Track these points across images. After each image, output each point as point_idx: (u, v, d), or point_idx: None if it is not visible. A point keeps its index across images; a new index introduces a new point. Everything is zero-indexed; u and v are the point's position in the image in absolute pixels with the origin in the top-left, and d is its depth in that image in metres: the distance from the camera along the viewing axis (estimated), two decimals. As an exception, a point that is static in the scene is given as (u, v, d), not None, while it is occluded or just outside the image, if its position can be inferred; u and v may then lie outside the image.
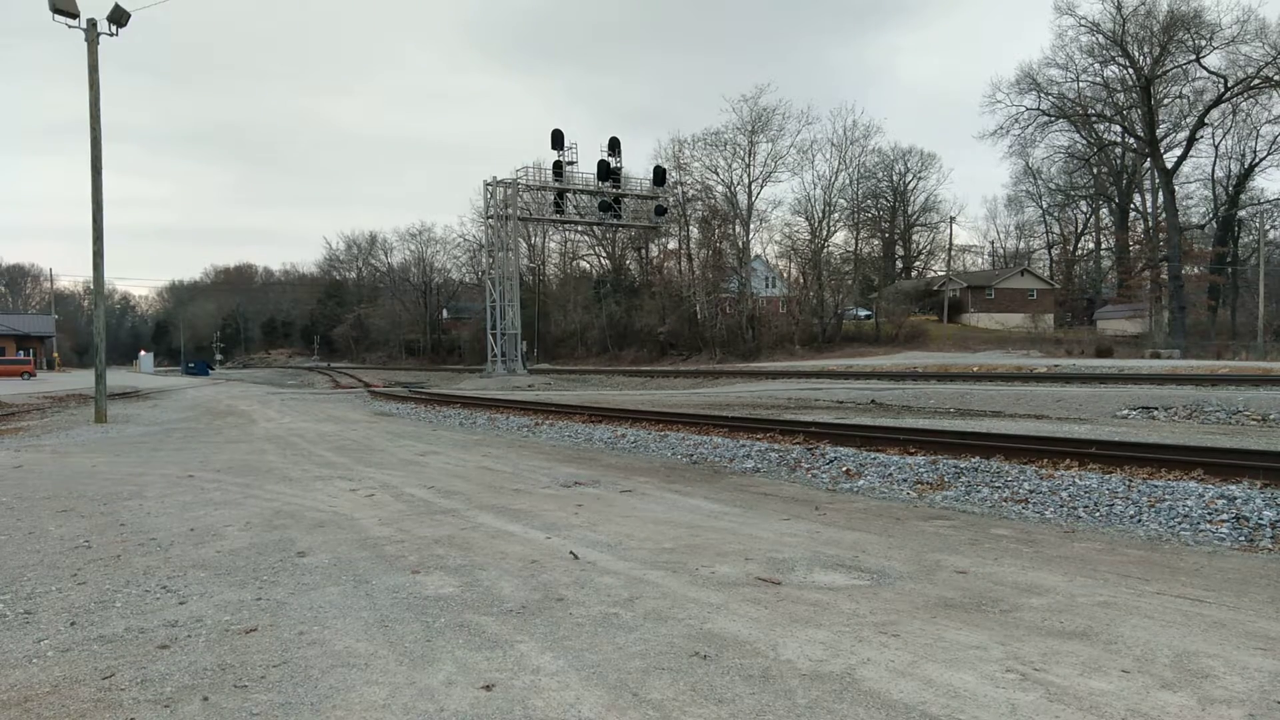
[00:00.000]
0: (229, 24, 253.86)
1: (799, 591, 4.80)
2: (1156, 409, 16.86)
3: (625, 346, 71.03)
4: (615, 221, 54.67)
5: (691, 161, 67.57)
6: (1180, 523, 6.45)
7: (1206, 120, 56.26)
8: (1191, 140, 56.73)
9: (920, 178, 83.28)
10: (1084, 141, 64.82)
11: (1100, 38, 57.28)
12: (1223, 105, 55.59)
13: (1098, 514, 6.87)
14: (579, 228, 72.54)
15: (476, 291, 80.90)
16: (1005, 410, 18.46)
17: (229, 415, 21.78)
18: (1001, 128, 62.26)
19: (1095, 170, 68.86)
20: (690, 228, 70.89)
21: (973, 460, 9.11)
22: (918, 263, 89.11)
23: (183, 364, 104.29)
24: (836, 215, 69.02)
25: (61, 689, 3.52)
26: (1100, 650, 3.79)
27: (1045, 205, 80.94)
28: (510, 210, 48.66)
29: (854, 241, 72.20)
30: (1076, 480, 7.79)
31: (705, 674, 3.56)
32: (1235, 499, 6.73)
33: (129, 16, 19.21)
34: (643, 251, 77.98)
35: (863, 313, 69.73)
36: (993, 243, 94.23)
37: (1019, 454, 9.31)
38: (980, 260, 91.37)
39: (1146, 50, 56.13)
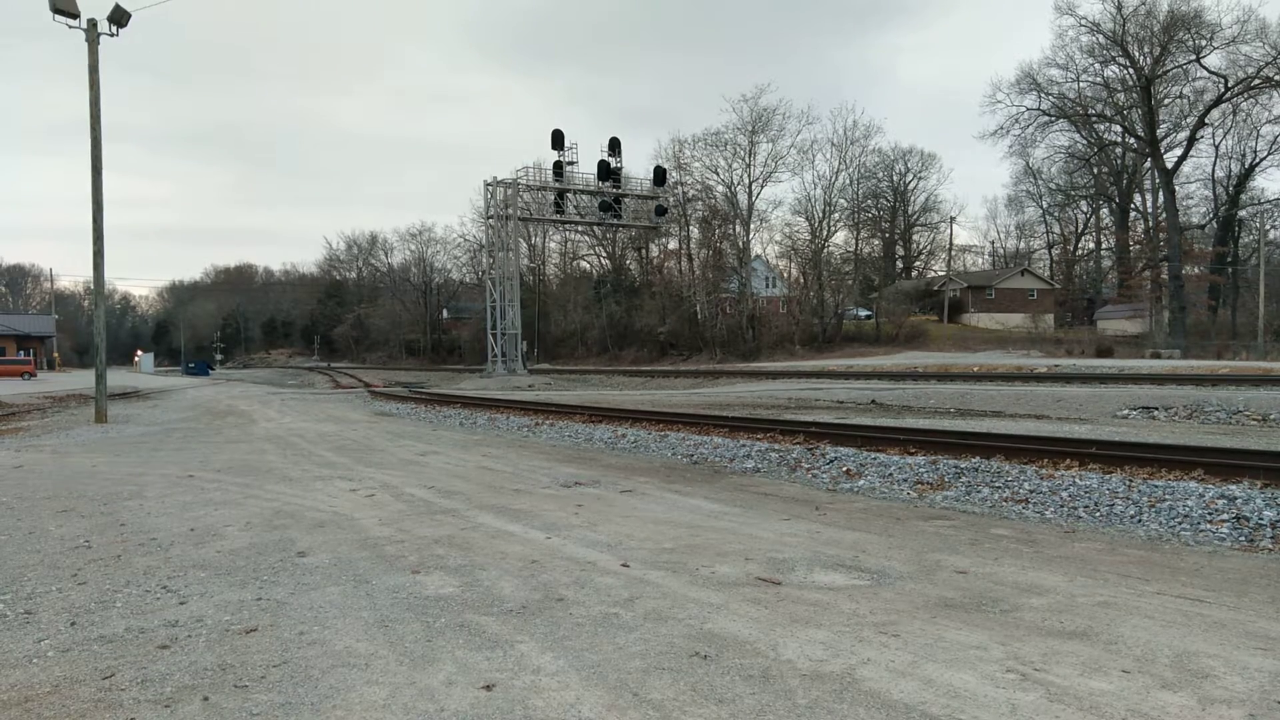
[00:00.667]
0: (230, 24, 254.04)
1: (799, 591, 4.80)
2: (1157, 409, 16.86)
3: (625, 346, 71.03)
4: (615, 221, 54.65)
5: (692, 161, 67.66)
6: (1180, 523, 6.45)
7: (1207, 120, 56.28)
8: (1192, 140, 56.74)
9: (920, 178, 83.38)
10: (1084, 141, 64.85)
11: (1100, 38, 57.34)
12: (1223, 105, 55.61)
13: (1098, 514, 6.87)
14: (579, 228, 72.54)
15: (476, 291, 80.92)
16: (1005, 410, 18.46)
17: (229, 415, 21.78)
18: (1002, 128, 62.31)
19: (1095, 170, 68.87)
20: (690, 228, 70.97)
21: (973, 460, 9.11)
22: (918, 263, 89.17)
23: (183, 364, 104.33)
24: (837, 215, 69.10)
25: (62, 689, 3.52)
26: (1100, 650, 3.79)
27: (1045, 205, 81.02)
28: (510, 210, 48.66)
29: (854, 241, 72.26)
30: (1077, 480, 7.79)
31: (705, 674, 3.56)
32: (1235, 499, 6.73)
33: (129, 16, 19.22)
34: (643, 251, 77.99)
35: (863, 313, 69.73)
36: (993, 243, 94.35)
37: (1019, 454, 9.31)
38: (980, 260, 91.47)
39: (1147, 50, 56.15)
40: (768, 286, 75.80)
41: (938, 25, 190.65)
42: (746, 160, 65.70)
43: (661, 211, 55.03)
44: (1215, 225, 62.81)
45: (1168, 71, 55.85)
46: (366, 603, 4.68)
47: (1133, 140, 60.95)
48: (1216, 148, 61.10)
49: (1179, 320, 53.77)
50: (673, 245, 74.28)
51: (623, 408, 18.55)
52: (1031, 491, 7.66)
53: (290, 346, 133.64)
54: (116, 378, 48.56)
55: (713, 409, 19.14)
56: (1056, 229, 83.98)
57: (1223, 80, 54.01)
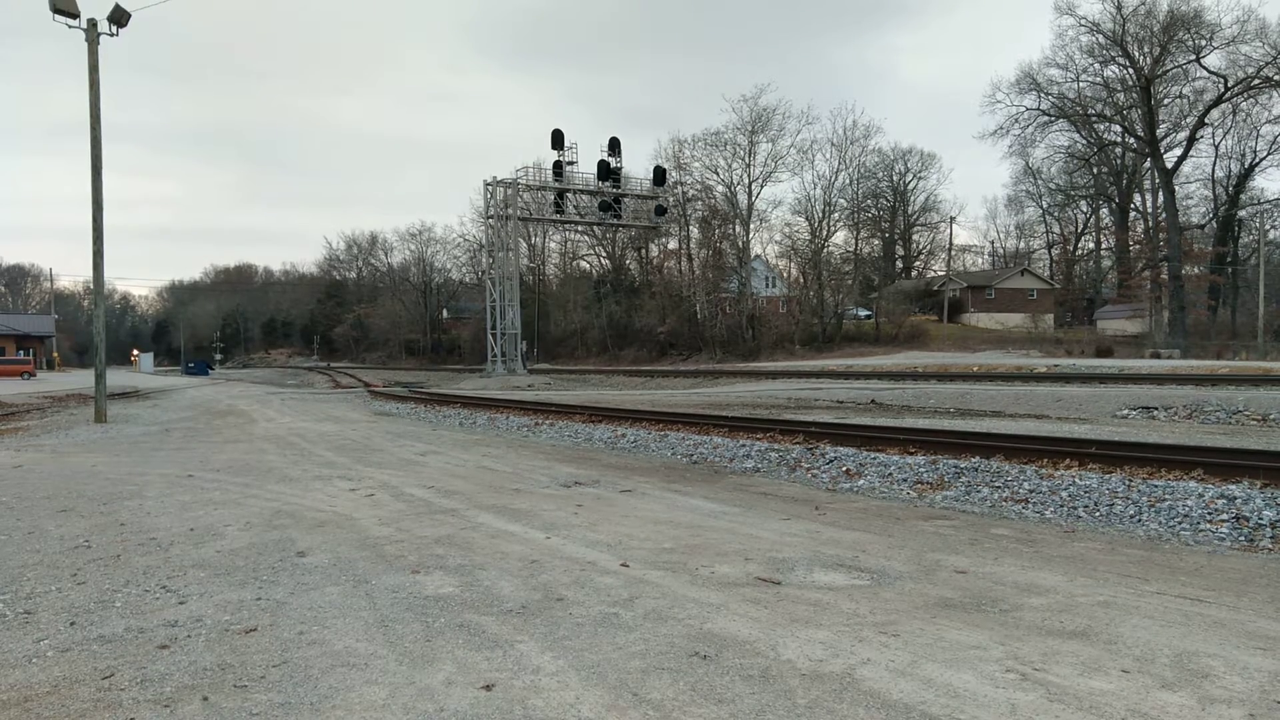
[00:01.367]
0: (230, 24, 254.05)
1: (799, 591, 4.80)
2: (1157, 409, 16.86)
3: (625, 346, 71.02)
4: (615, 221, 54.67)
5: (691, 161, 67.68)
6: (1180, 523, 6.45)
7: (1206, 120, 56.30)
8: (1191, 140, 56.76)
9: (920, 178, 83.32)
10: (1084, 141, 64.85)
11: (1100, 38, 57.37)
12: (1223, 105, 55.63)
13: (1098, 514, 6.87)
14: (579, 228, 72.55)
15: (476, 291, 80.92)
16: (1005, 410, 18.46)
17: (229, 415, 21.78)
18: (1001, 128, 62.34)
19: (1095, 170, 68.88)
20: (690, 228, 70.99)
21: (973, 460, 9.11)
22: (918, 263, 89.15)
23: (183, 364, 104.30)
24: (836, 215, 69.11)
25: (61, 689, 3.52)
26: (1100, 650, 3.79)
27: (1045, 205, 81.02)
28: (510, 210, 48.67)
29: (854, 241, 72.27)
30: (1076, 480, 7.79)
31: (705, 674, 3.56)
32: (1235, 499, 6.73)
33: (129, 16, 19.21)
34: (643, 251, 77.98)
35: (863, 313, 69.72)
36: (993, 243, 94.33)
37: (1019, 454, 9.31)
38: (980, 260, 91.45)
39: (1146, 50, 56.17)
40: (768, 286, 75.81)
41: (937, 25, 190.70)
42: (746, 160, 65.78)
43: (661, 211, 55.03)
44: (1215, 225, 62.84)
45: (1168, 71, 55.89)
46: (366, 603, 4.68)
47: (1133, 140, 60.97)
48: (1216, 148, 61.20)
49: (1179, 320, 53.79)
50: (673, 245, 74.37)
51: (623, 408, 18.55)
52: (1031, 491, 7.66)
53: (290, 346, 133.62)
54: (116, 378, 48.58)
55: (712, 409, 19.14)
56: (1056, 229, 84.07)
57: (1223, 80, 54.05)
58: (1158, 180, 59.98)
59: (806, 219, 67.81)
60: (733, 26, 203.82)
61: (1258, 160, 59.70)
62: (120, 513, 7.65)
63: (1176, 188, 58.66)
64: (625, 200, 52.80)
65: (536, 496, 8.29)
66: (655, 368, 53.53)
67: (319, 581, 5.15)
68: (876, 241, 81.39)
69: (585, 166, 50.25)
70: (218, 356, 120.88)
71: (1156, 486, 7.33)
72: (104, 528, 6.95)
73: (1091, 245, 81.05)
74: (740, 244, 67.83)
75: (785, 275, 74.77)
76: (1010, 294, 73.82)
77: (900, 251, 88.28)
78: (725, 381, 35.51)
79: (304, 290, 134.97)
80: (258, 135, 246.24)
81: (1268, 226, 63.09)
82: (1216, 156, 61.62)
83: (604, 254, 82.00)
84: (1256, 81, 52.77)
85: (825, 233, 67.55)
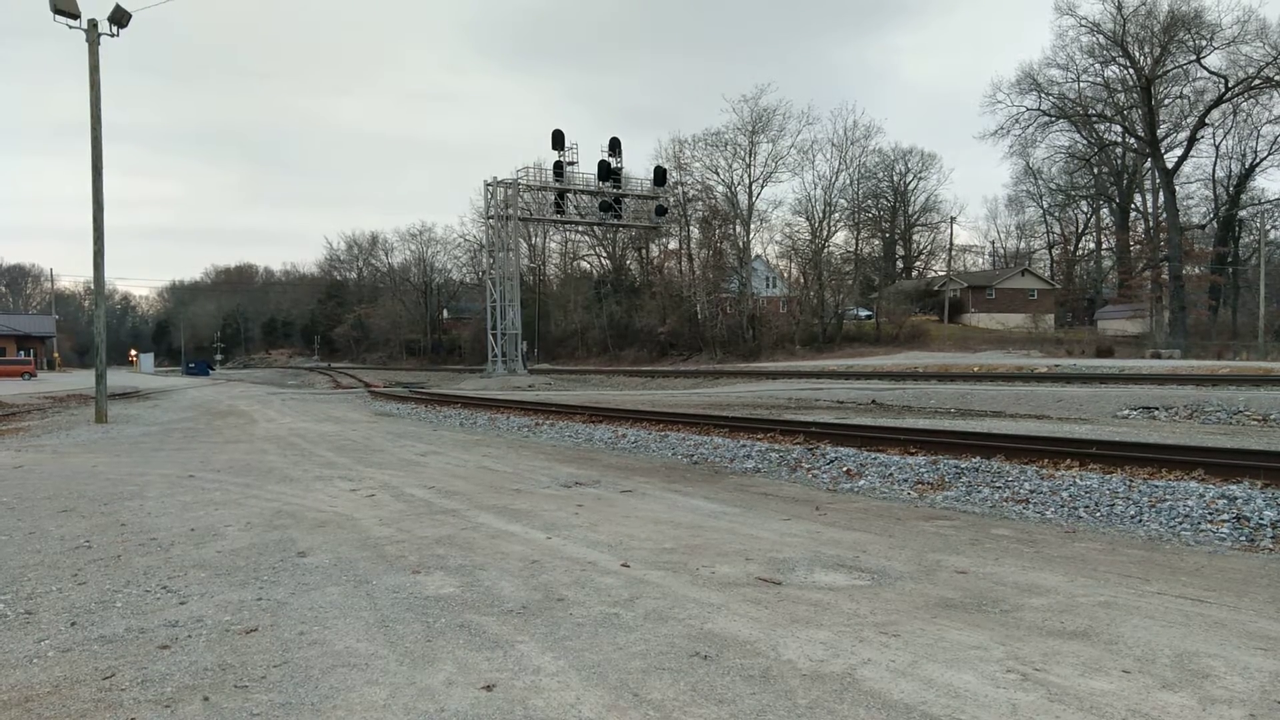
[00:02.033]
0: (231, 25, 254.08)
1: (799, 591, 4.80)
2: (1157, 409, 16.86)
3: (625, 346, 71.02)
4: (615, 221, 54.64)
5: (692, 161, 67.67)
6: (1181, 523, 6.45)
7: (1207, 120, 56.27)
8: (1192, 140, 56.73)
9: (921, 178, 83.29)
10: (1084, 141, 64.83)
11: (1101, 38, 57.33)
12: (1223, 105, 55.60)
13: (1098, 514, 6.87)
14: (579, 228, 72.54)
15: (477, 292, 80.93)
16: (1006, 410, 18.46)
17: (229, 415, 21.78)
18: (1002, 128, 62.28)
19: (1096, 170, 68.86)
20: (691, 228, 70.98)
21: (973, 460, 9.10)
22: (918, 263, 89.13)
23: (183, 364, 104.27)
24: (837, 215, 69.10)
25: (62, 689, 3.52)
26: (1101, 650, 3.79)
27: (1046, 205, 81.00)
28: (511, 210, 48.67)
29: (854, 241, 72.25)
30: (1077, 480, 7.79)
31: (706, 674, 3.56)
32: (1236, 499, 6.73)
33: (130, 17, 19.22)
34: (643, 251, 77.99)
35: (863, 313, 69.72)
36: (993, 243, 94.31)
37: (1020, 454, 9.31)
38: (981, 260, 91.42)
39: (1147, 50, 56.15)
40: (768, 286, 75.81)
41: (938, 25, 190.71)
42: (746, 160, 65.77)
43: (661, 211, 55.02)
44: (1215, 225, 62.82)
45: (1168, 72, 55.86)
46: (367, 603, 4.68)
47: (1133, 140, 60.96)
48: (1217, 148, 61.17)
49: (1179, 320, 53.77)
50: (673, 245, 74.37)
51: (623, 408, 18.55)
52: (1032, 491, 7.66)
53: (290, 346, 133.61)
54: (117, 378, 48.59)
55: (713, 409, 19.14)
56: (1057, 229, 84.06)
57: (1223, 80, 54.03)
58: (1158, 180, 59.99)
59: (807, 219, 67.89)
60: (733, 26, 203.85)
61: (1258, 160, 59.74)
62: (121, 513, 7.65)
63: (1177, 188, 58.71)
64: (625, 200, 52.78)
65: (537, 497, 8.29)
66: (656, 368, 53.53)
67: (320, 582, 5.15)
68: (877, 241, 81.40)
69: (585, 167, 50.26)
70: (218, 357, 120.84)
71: (1157, 487, 7.32)
72: (105, 528, 6.95)
73: (1092, 245, 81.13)
74: (740, 244, 67.85)
75: (785, 275, 74.78)
76: (1011, 294, 73.81)
77: (900, 251, 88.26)
78: (726, 382, 35.50)
79: (304, 290, 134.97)
80: (258, 135, 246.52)
81: (1268, 226, 63.12)
82: (1217, 156, 61.68)
83: (604, 254, 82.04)
84: (1257, 81, 52.76)
85: (825, 233, 67.60)
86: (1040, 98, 60.56)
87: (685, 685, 3.45)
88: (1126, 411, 17.01)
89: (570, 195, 51.41)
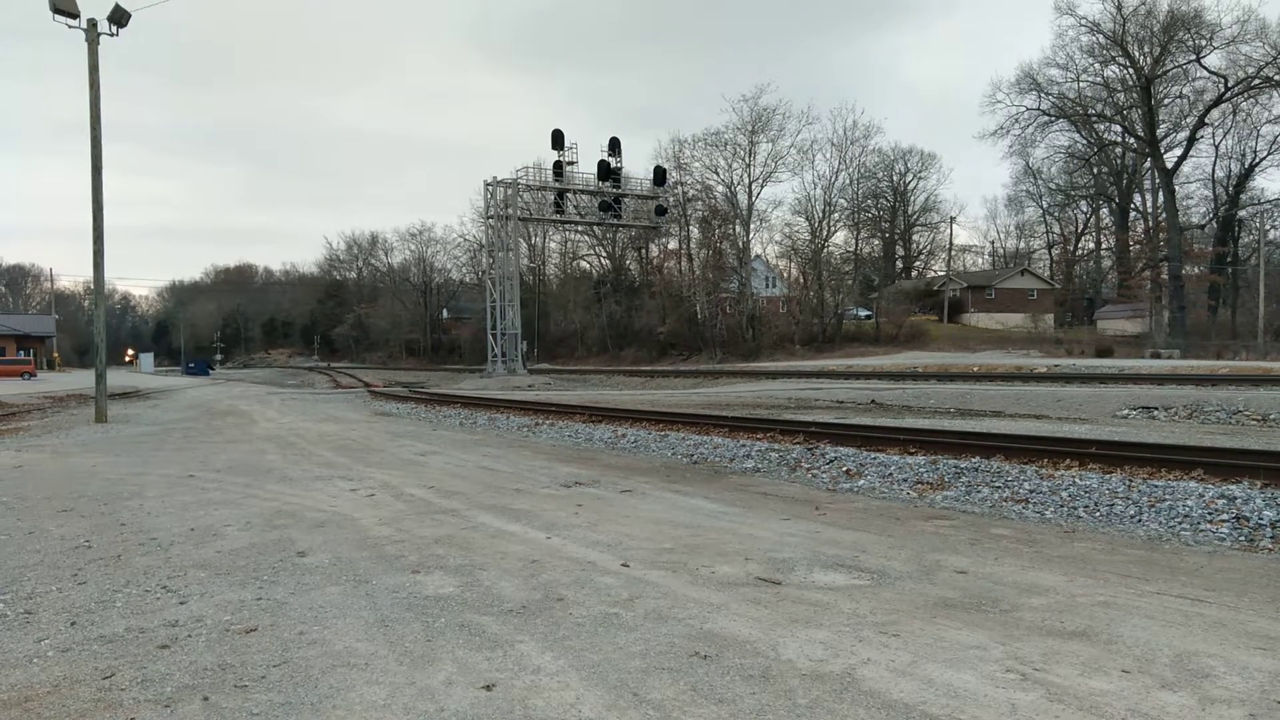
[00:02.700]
0: (231, 25, 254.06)
1: (799, 591, 4.80)
2: (1157, 409, 16.86)
3: (625, 346, 71.01)
4: (615, 221, 54.67)
5: (692, 161, 67.65)
6: (1180, 523, 6.45)
7: (1207, 120, 56.28)
8: (1192, 140, 56.75)
9: (920, 178, 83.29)
10: (1084, 141, 64.86)
11: (1100, 38, 57.34)
12: (1223, 105, 55.62)
13: (1098, 514, 6.87)
14: (579, 228, 72.49)
15: (476, 291, 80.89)
16: (1005, 410, 18.46)
17: (229, 415, 21.78)
18: (1002, 128, 62.31)
19: (1095, 170, 68.87)
20: (690, 228, 70.96)
21: (973, 460, 9.10)
22: (918, 263, 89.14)
23: (183, 364, 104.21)
24: (836, 215, 69.13)
25: (62, 689, 3.52)
26: (1100, 650, 3.79)
27: (1045, 205, 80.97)
28: (510, 210, 48.66)
29: (854, 241, 72.30)
30: (1077, 480, 7.79)
31: (705, 674, 3.56)
32: (1235, 499, 6.73)
33: (129, 16, 19.22)
34: (643, 251, 77.97)
35: (863, 313, 69.72)
36: (993, 243, 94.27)
37: (1019, 454, 9.31)
38: (980, 260, 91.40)
39: (1147, 50, 56.16)
40: (768, 286, 75.79)
41: (938, 25, 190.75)
42: (746, 160, 65.76)
43: (661, 211, 55.03)
44: (1215, 225, 62.83)
45: (1168, 71, 55.87)
46: (366, 603, 4.68)
47: (1133, 140, 60.97)
48: (1216, 148, 61.17)
49: (1179, 320, 53.78)
50: (673, 245, 74.36)
51: (623, 408, 18.55)
52: (1031, 491, 7.66)
53: (290, 346, 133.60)
54: (116, 378, 48.56)
55: (713, 409, 19.14)
56: (1056, 229, 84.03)
57: (1223, 80, 54.04)
58: (1158, 180, 59.98)
59: (806, 219, 67.89)
60: (733, 26, 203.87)
61: (1258, 160, 59.75)
62: (121, 513, 7.65)
63: (1176, 188, 58.70)
64: (625, 200, 52.79)
65: (537, 496, 8.29)
66: (655, 368, 53.53)
67: (319, 581, 5.15)
68: (876, 241, 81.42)
69: (585, 166, 50.30)
70: (218, 356, 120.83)
71: (1157, 486, 7.32)
72: (104, 528, 6.95)
73: (1091, 245, 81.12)
74: (740, 244, 67.83)
75: (785, 275, 74.76)
76: (1010, 294, 73.81)
77: (900, 251, 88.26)
78: (725, 381, 35.51)
79: (304, 290, 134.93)
80: (258, 135, 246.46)
81: (1268, 226, 63.11)
82: (1216, 156, 61.69)
83: (604, 254, 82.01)
84: (1257, 81, 52.77)
85: (825, 233, 67.61)
86: (1040, 97, 60.64)
87: (685, 685, 3.45)
88: (1126, 411, 17.01)
89: (570, 195, 51.41)
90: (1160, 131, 57.00)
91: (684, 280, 71.34)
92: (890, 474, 8.92)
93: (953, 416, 17.08)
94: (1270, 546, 5.80)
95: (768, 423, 13.55)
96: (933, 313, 71.20)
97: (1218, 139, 60.57)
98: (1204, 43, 53.54)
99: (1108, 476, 7.88)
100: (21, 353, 69.68)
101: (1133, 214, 68.21)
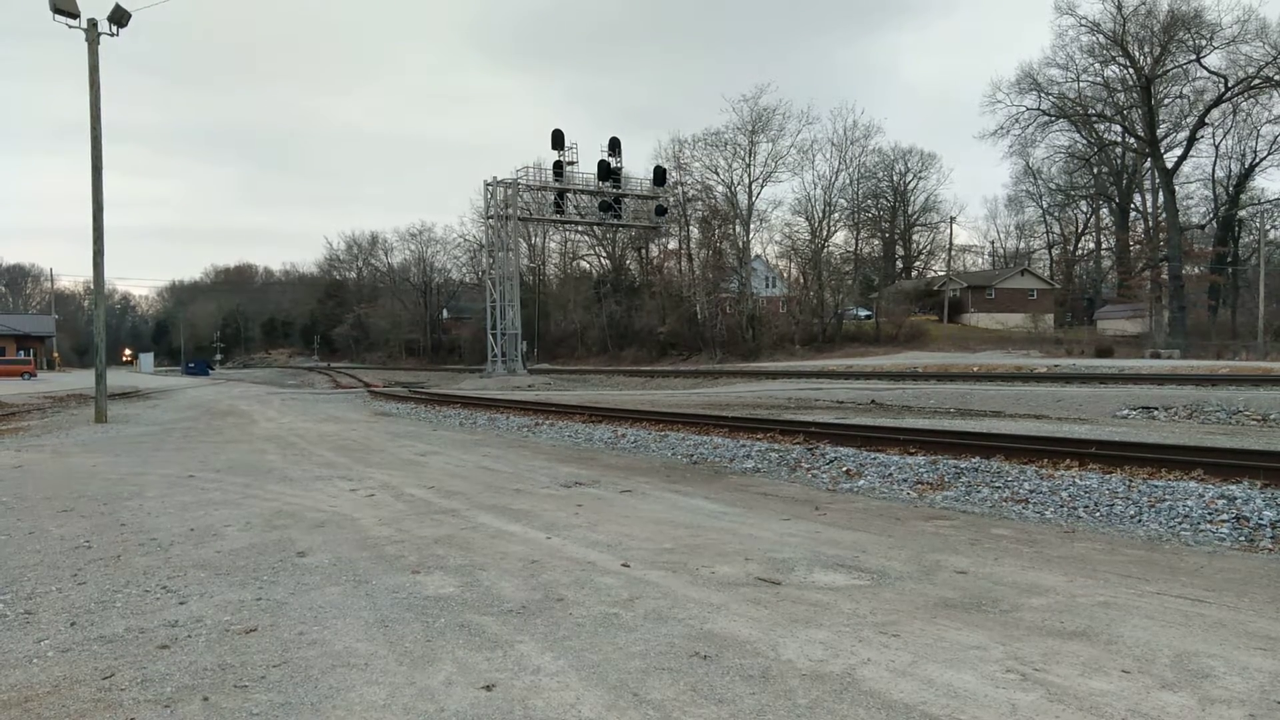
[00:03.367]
0: (232, 24, 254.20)
1: (799, 591, 4.80)
2: (1157, 409, 16.85)
3: (625, 346, 71.02)
4: (615, 221, 54.66)
5: (691, 161, 67.65)
6: (1180, 523, 6.45)
7: (1207, 120, 56.26)
8: (1192, 140, 56.73)
9: (920, 178, 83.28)
10: (1084, 141, 64.84)
11: (1100, 38, 57.33)
12: (1223, 105, 55.60)
13: (1098, 514, 6.87)
14: (579, 228, 72.50)
15: (476, 291, 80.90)
16: (1005, 410, 18.45)
17: (229, 415, 21.78)
18: (1002, 128, 62.29)
19: (1095, 170, 68.87)
20: (690, 228, 70.96)
21: (973, 460, 9.10)
22: (918, 263, 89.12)
23: (183, 364, 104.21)
24: (836, 215, 69.14)
25: (62, 689, 3.52)
26: (1101, 650, 3.79)
27: (1045, 205, 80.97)
28: (510, 210, 48.66)
29: (854, 241, 72.31)
30: (1077, 480, 7.79)
31: (705, 674, 3.56)
32: (1235, 499, 6.73)
33: (129, 17, 19.21)
34: (643, 251, 77.96)
35: (863, 313, 69.71)
36: (993, 243, 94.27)
37: (1019, 454, 9.31)
38: (980, 260, 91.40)
39: (1147, 50, 56.14)
40: (768, 286, 75.79)
41: (938, 25, 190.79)
42: (746, 160, 65.75)
43: (661, 211, 55.04)
44: (1215, 225, 62.82)
45: (1168, 71, 55.85)
46: (366, 603, 4.68)
47: (1133, 140, 60.96)
48: (1216, 148, 61.16)
49: (1179, 320, 53.77)
50: (673, 245, 74.36)
51: (623, 408, 18.55)
52: (1031, 491, 7.66)
53: (290, 346, 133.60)
54: (116, 378, 48.56)
55: (713, 409, 19.14)
56: (1056, 229, 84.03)
57: (1223, 80, 54.03)
58: (1158, 180, 59.96)
59: (806, 219, 67.88)
60: (733, 26, 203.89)
61: (1258, 160, 59.73)
62: (121, 513, 7.65)
63: (1176, 188, 58.68)
64: (625, 200, 52.79)
65: (537, 497, 8.29)
66: (655, 368, 53.53)
67: (319, 582, 5.15)
68: (876, 241, 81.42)
69: (585, 167, 50.30)
70: (218, 357, 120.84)
71: (1157, 487, 7.32)
72: (104, 528, 6.95)
73: (1091, 245, 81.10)
74: (740, 244, 67.83)
75: (785, 275, 74.76)
76: (1010, 294, 73.82)
77: (900, 251, 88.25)
78: (725, 382, 35.50)
79: (304, 290, 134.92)
80: (258, 135, 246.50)
81: (1268, 226, 63.09)
82: (1217, 156, 61.67)
83: (604, 254, 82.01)
84: (1257, 81, 52.75)
85: (825, 233, 67.61)
86: (1040, 97, 60.62)
87: (685, 685, 3.45)
88: (1126, 411, 17.01)
89: (570, 195, 51.41)
90: (1160, 131, 57.00)
91: (684, 280, 71.34)
92: (890, 474, 8.92)
93: (953, 416, 17.08)
94: (1270, 547, 5.80)
95: (768, 423, 13.55)
96: (933, 313, 71.21)
97: (1218, 139, 60.64)
98: (1204, 43, 53.58)
99: (1108, 476, 7.88)
100: (21, 353, 69.68)
101: (1133, 214, 68.24)
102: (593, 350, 75.05)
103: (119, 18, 19.11)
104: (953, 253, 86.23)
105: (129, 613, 4.56)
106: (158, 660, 3.83)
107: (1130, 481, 7.59)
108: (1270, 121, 57.03)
